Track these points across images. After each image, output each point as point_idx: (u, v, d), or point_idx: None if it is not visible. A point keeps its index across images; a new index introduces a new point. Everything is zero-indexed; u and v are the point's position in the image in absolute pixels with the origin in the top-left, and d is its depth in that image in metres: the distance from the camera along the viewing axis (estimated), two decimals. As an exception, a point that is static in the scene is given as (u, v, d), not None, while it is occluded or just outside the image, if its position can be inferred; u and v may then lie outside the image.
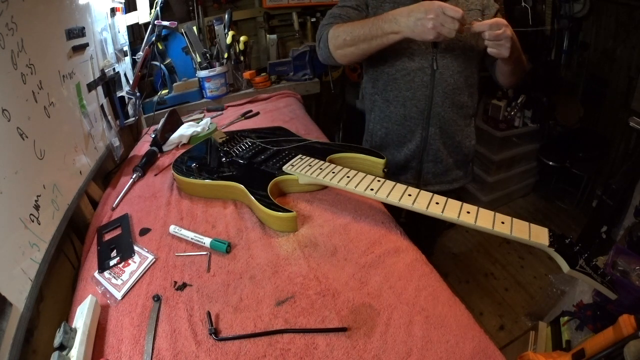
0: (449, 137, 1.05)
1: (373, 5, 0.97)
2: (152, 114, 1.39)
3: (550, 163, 2.17)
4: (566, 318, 1.08)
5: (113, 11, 1.20)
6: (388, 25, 0.84)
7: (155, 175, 1.00)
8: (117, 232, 0.80)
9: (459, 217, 0.62)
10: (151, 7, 1.38)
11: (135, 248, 0.73)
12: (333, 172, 0.77)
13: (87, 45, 0.97)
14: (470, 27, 0.81)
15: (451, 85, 0.97)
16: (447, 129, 1.03)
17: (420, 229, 0.99)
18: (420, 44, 0.94)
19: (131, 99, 1.24)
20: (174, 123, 1.20)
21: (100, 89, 1.06)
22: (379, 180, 0.72)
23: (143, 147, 1.18)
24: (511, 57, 0.85)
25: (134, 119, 1.25)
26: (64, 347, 0.51)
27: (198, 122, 1.21)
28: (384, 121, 1.07)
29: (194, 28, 1.53)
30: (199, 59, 1.48)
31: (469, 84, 1.00)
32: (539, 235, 0.59)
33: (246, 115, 1.36)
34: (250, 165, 0.87)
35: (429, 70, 0.96)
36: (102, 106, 1.06)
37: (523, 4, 2.01)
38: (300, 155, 0.85)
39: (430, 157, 1.05)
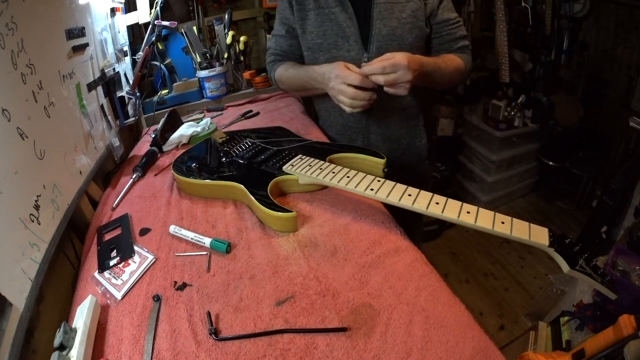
0: (394, 142, 1.01)
1: (299, 16, 0.94)
2: (152, 114, 1.38)
3: (550, 163, 2.17)
4: (566, 318, 1.08)
5: (113, 11, 1.20)
6: (317, 83, 0.91)
7: (155, 175, 1.00)
8: (117, 232, 0.79)
9: (459, 217, 0.62)
10: (151, 7, 1.38)
11: (135, 248, 0.73)
12: (333, 172, 0.77)
13: (87, 45, 0.97)
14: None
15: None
16: (390, 135, 1.00)
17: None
18: (349, 50, 0.91)
19: (131, 99, 1.24)
20: (174, 123, 1.20)
21: (100, 89, 1.06)
22: (379, 180, 0.72)
23: (143, 147, 1.18)
24: (424, 83, 0.84)
25: (134, 119, 1.25)
26: (64, 347, 0.51)
27: (198, 122, 1.21)
28: (328, 129, 1.09)
29: (194, 28, 1.53)
30: (199, 59, 1.48)
31: None
32: (539, 235, 0.59)
33: (246, 115, 1.36)
34: (250, 165, 0.87)
35: None
36: (102, 106, 1.06)
37: (523, 4, 2.01)
38: (300, 155, 0.85)
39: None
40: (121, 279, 0.66)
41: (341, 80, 0.81)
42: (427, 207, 0.65)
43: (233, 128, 1.28)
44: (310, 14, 0.93)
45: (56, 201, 0.72)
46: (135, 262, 0.70)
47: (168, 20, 1.35)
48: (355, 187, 0.71)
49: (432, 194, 0.67)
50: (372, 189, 0.70)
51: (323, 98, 1.02)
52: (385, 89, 0.81)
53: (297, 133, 1.05)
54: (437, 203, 0.65)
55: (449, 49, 0.96)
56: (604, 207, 1.58)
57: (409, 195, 0.68)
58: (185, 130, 1.15)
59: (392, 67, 0.76)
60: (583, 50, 2.17)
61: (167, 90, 1.48)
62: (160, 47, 1.42)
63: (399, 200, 0.67)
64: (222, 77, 1.51)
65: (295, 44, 1.03)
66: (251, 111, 1.39)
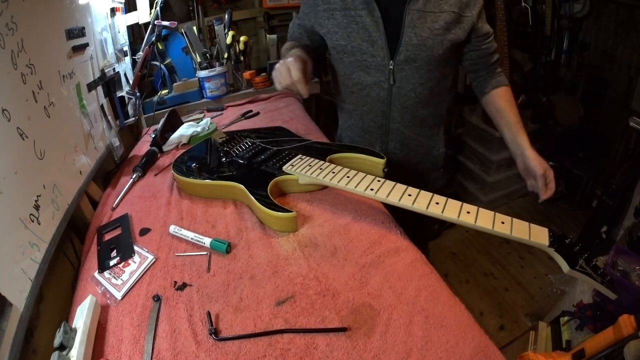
0: (411, 150, 1.01)
1: (325, 16, 0.92)
2: (152, 114, 1.38)
3: (550, 163, 2.16)
4: (566, 318, 1.08)
5: (113, 11, 1.20)
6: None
7: (155, 175, 1.00)
8: (117, 232, 0.79)
9: (459, 217, 0.62)
10: (151, 7, 1.38)
11: (135, 248, 0.73)
12: (333, 172, 0.77)
13: (87, 45, 0.97)
14: None
15: (411, 99, 0.92)
16: (409, 143, 1.00)
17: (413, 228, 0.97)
18: (374, 56, 0.89)
19: (131, 99, 1.24)
20: (174, 123, 1.20)
21: (100, 89, 1.06)
22: (379, 180, 0.72)
23: (143, 147, 1.18)
24: None
25: (134, 119, 1.25)
26: (64, 347, 0.51)
27: (198, 122, 1.21)
28: (347, 130, 1.08)
29: (194, 28, 1.53)
30: (199, 59, 1.47)
31: (436, 93, 0.94)
32: (539, 235, 0.59)
33: (246, 115, 1.36)
34: (250, 165, 0.87)
35: (385, 84, 0.90)
36: (102, 106, 1.06)
37: (523, 4, 2.01)
38: (300, 155, 0.85)
39: (392, 169, 1.00)
40: (121, 279, 0.66)
41: (287, 66, 0.82)
42: (427, 207, 0.65)
43: (233, 128, 1.28)
44: (336, 14, 0.90)
45: (56, 201, 0.72)
46: (135, 262, 0.70)
47: (168, 20, 1.35)
48: (355, 187, 0.71)
49: (432, 194, 0.67)
50: (372, 189, 0.70)
51: (346, 100, 1.01)
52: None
53: (297, 133, 1.06)
54: (437, 203, 0.65)
55: (487, 62, 0.95)
56: (604, 207, 1.58)
57: (409, 195, 0.68)
58: (185, 130, 1.15)
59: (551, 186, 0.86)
60: (583, 50, 2.17)
61: (167, 90, 1.48)
62: (160, 47, 1.42)
63: (399, 200, 0.67)
64: (222, 77, 1.51)
65: (304, 35, 1.02)
66: (251, 111, 1.39)
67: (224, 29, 1.51)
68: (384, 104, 0.94)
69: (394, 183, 0.71)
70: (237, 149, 0.94)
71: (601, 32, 2.07)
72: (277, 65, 0.85)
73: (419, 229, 0.92)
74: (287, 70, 0.81)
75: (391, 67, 0.88)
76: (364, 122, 1.01)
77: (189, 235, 0.74)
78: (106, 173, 1.10)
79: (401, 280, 0.61)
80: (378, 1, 0.85)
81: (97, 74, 1.04)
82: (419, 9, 0.83)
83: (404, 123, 0.96)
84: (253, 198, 0.75)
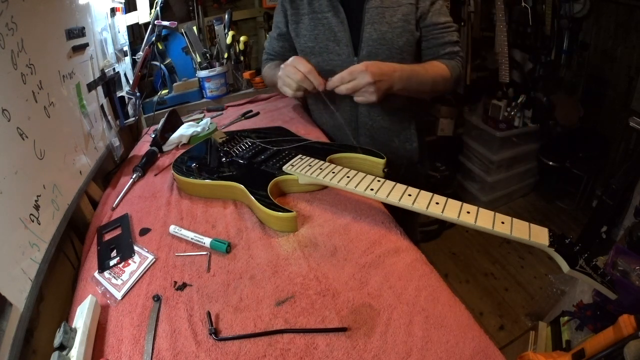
0: (383, 144, 1.03)
1: (293, 20, 0.96)
2: (152, 114, 1.38)
3: (550, 163, 2.17)
4: (566, 318, 1.08)
5: (113, 11, 1.20)
6: (277, 77, 0.92)
7: (155, 175, 1.00)
8: (117, 232, 0.79)
9: (459, 217, 0.62)
10: (151, 7, 1.38)
11: (135, 248, 0.73)
12: (333, 172, 0.77)
13: (87, 45, 0.97)
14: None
15: None
16: (379, 137, 1.02)
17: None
18: (339, 54, 0.93)
19: (131, 99, 1.24)
20: (174, 123, 1.20)
21: (100, 89, 1.06)
22: (379, 180, 0.72)
23: (143, 147, 1.18)
24: (404, 91, 0.85)
25: (134, 119, 1.25)
26: (64, 347, 0.51)
27: (198, 122, 1.21)
28: (322, 127, 1.11)
29: (194, 28, 1.53)
30: (199, 59, 1.48)
31: None
32: (539, 235, 0.59)
33: (246, 115, 1.36)
34: (250, 165, 0.87)
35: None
36: (102, 106, 1.06)
37: (523, 4, 2.01)
38: (300, 155, 0.85)
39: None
40: (121, 279, 0.66)
41: (292, 65, 0.84)
42: (427, 207, 0.65)
43: (233, 128, 1.28)
44: (304, 18, 0.95)
45: (56, 201, 0.72)
46: (135, 262, 0.70)
47: (168, 20, 1.35)
48: (355, 187, 0.71)
49: (432, 194, 0.67)
50: (372, 189, 0.70)
51: (316, 100, 1.05)
52: (355, 98, 0.83)
53: (297, 133, 1.05)
54: (437, 203, 0.65)
55: (436, 53, 0.95)
56: (604, 207, 1.59)
57: (409, 195, 0.68)
58: (185, 130, 1.15)
59: (349, 74, 0.80)
60: (583, 50, 2.17)
61: (167, 90, 1.48)
62: (160, 47, 1.42)
63: (399, 200, 0.67)
64: (222, 77, 1.51)
65: (286, 46, 1.06)
66: (251, 111, 1.39)
67: (224, 29, 1.52)
68: (351, 99, 0.94)
69: (394, 183, 0.71)
70: (237, 149, 0.94)
71: (601, 32, 2.07)
72: (280, 73, 0.86)
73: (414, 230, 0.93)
74: (294, 67, 0.83)
75: (355, 63, 0.89)
76: (334, 119, 1.04)
77: (189, 235, 0.73)
78: (106, 173, 1.10)
79: (401, 280, 0.61)
80: (343, 3, 0.89)
81: (97, 74, 1.04)
82: (377, 5, 0.87)
83: (372, 117, 0.99)
84: (253, 198, 0.75)
